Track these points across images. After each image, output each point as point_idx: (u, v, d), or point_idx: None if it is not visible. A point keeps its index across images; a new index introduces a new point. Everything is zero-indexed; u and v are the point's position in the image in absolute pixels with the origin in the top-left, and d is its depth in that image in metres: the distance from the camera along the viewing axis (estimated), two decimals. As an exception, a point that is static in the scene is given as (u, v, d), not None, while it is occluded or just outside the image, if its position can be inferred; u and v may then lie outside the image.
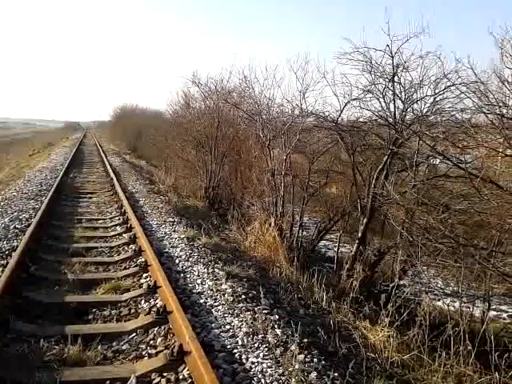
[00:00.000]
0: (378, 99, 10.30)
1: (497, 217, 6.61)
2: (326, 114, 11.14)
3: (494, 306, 11.26)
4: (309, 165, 11.57)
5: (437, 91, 9.60)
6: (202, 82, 16.30)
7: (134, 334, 4.81)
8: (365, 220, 9.81)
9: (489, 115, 7.07)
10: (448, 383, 4.71)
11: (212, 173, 15.01)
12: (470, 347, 5.08)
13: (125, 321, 5.20)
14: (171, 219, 10.30)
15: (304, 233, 12.13)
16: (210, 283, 6.22)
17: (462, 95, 8.65)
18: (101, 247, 8.00)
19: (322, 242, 14.16)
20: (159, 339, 4.67)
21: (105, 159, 24.39)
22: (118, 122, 51.25)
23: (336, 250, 11.60)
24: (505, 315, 11.70)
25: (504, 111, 6.70)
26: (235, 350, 4.41)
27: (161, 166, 21.06)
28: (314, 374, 4.05)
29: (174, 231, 9.11)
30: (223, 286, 6.11)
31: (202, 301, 5.61)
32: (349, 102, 10.71)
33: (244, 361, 4.23)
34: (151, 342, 4.67)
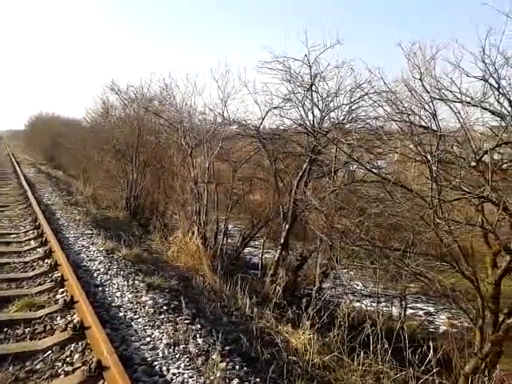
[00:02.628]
0: (297, 108, 10.61)
1: (409, 219, 6.95)
2: (248, 122, 11.32)
3: (411, 305, 11.85)
4: (232, 172, 11.64)
5: (352, 100, 10.04)
6: (121, 90, 16.03)
7: (50, 352, 4.57)
8: (287, 226, 9.99)
9: (399, 122, 7.45)
10: (367, 382, 4.86)
11: (133, 182, 14.70)
12: (386, 345, 5.28)
13: (39, 339, 4.93)
14: (89, 231, 9.94)
15: (229, 240, 12.15)
16: (130, 296, 6.05)
17: (375, 104, 9.11)
18: (14, 263, 7.55)
19: (247, 249, 14.23)
20: (76, 355, 4.46)
21: (18, 170, 23.13)
22: (34, 131, 48.85)
23: (260, 256, 11.73)
24: (421, 312, 12.32)
25: (412, 119, 7.09)
26: (156, 362, 4.31)
27: (79, 177, 20.31)
28: (235, 381, 4.04)
29: (93, 244, 8.79)
30: (144, 298, 5.96)
31: (121, 314, 5.44)
32: (270, 110, 10.94)
33: (165, 372, 4.14)
34: (68, 359, 4.45)
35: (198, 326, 5.21)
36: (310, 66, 10.01)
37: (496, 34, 6.23)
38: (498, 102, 6.55)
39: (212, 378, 4.04)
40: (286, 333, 5.71)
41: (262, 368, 4.58)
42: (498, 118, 6.75)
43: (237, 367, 4.33)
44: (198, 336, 4.93)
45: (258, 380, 4.13)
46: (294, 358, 5.03)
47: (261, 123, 11.07)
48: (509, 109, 6.40)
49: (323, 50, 9.80)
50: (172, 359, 4.39)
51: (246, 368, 4.36)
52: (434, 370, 4.68)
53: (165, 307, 5.72)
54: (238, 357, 4.60)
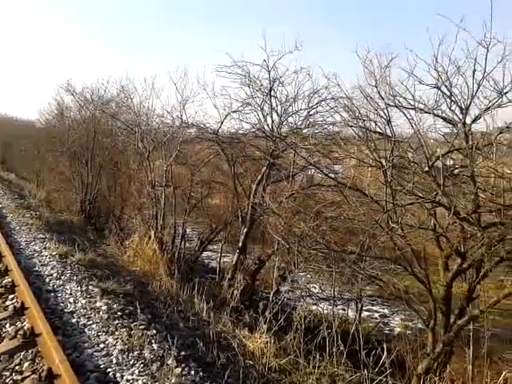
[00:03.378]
0: (256, 112, 10.66)
1: (364, 223, 7.06)
2: (207, 125, 11.28)
3: (366, 307, 12.06)
4: (190, 176, 11.56)
5: (310, 105, 10.16)
6: (77, 91, 15.70)
7: (-3, 361, 4.42)
8: (245, 230, 10.00)
9: (356, 128, 7.58)
10: (322, 384, 4.89)
11: (89, 186, 14.38)
12: (342, 348, 5.33)
13: (-13, 347, 4.74)
14: (42, 235, 9.65)
15: (187, 244, 12.05)
16: (84, 301, 5.91)
17: (332, 110, 9.25)
18: (-40, 269, 7.24)
19: (205, 253, 14.15)
20: (26, 364, 4.33)
21: (-32, 173, 22.29)
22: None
23: (218, 260, 11.68)
24: (376, 315, 12.56)
25: (368, 125, 7.22)
26: (109, 369, 4.22)
27: (32, 179, 19.73)
28: (191, 387, 4.00)
29: (45, 248, 8.53)
30: (98, 304, 5.83)
31: (74, 320, 5.30)
32: (229, 114, 10.92)
33: (118, 379, 4.06)
34: (17, 367, 4.31)
35: (154, 332, 5.13)
36: (269, 71, 10.09)
37: (448, 44, 6.46)
38: (450, 109, 6.76)
39: (167, 383, 3.99)
40: (242, 337, 5.69)
41: (219, 373, 4.55)
42: (450, 125, 6.98)
43: (192, 372, 4.29)
44: (153, 341, 4.86)
45: (213, 385, 4.10)
46: (251, 362, 5.02)
47: (219, 127, 11.05)
48: (460, 116, 6.62)
49: (282, 56, 9.90)
50: (126, 365, 4.31)
51: (201, 373, 4.33)
52: (388, 372, 4.76)
53: (119, 313, 5.62)
54: (193, 362, 4.56)
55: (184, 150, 11.60)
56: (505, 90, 6.22)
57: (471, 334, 5.70)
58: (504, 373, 4.61)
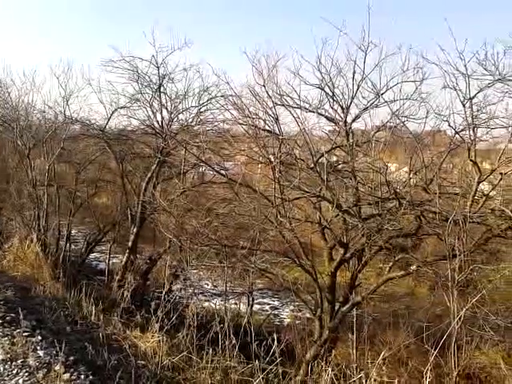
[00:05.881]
0: (145, 108, 10.47)
1: (255, 218, 7.26)
2: (93, 121, 10.89)
3: (258, 300, 12.39)
4: (75, 174, 11.11)
5: (201, 102, 10.22)
6: None
7: None
8: (135, 229, 9.80)
9: (245, 126, 7.76)
10: (215, 378, 4.94)
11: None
12: (234, 341, 5.42)
13: None
14: None
15: (73, 246, 11.56)
16: (-43, 312, 5.42)
17: (223, 108, 9.37)
18: None
19: (94, 255, 13.68)
20: None
21: None
22: None
23: (107, 261, 11.35)
24: (267, 307, 12.95)
25: (257, 123, 7.43)
26: (-11, 381, 3.93)
27: None
28: (80, 392, 3.85)
29: None
30: (-25, 313, 5.38)
31: None
32: (116, 109, 10.63)
33: (0, 391, 3.79)
34: None
35: (39, 338, 4.85)
36: (158, 67, 9.97)
37: (331, 46, 6.87)
38: (333, 108, 7.19)
39: (55, 390, 3.81)
40: (134, 337, 5.57)
41: (110, 375, 4.41)
42: (333, 124, 7.42)
43: (82, 377, 4.12)
44: (38, 348, 4.59)
45: (105, 387, 3.99)
46: (143, 362, 4.94)
47: (106, 123, 10.74)
48: (342, 115, 7.06)
49: (171, 52, 9.84)
50: (8, 375, 4.04)
51: (91, 377, 4.17)
52: (278, 360, 4.92)
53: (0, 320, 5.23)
54: (83, 366, 4.38)
55: (68, 147, 11.11)
56: (381, 92, 6.78)
57: (354, 319, 6.10)
58: (383, 353, 4.98)
